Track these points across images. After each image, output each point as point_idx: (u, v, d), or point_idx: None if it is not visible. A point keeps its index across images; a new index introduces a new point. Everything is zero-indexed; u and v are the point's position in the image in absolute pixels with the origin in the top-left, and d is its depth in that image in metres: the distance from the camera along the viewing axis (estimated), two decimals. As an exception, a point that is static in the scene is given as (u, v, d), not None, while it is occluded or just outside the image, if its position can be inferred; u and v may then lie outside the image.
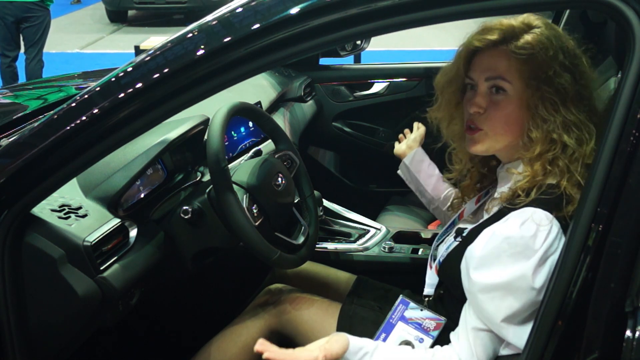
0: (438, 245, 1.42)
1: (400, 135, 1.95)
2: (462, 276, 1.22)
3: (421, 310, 1.40)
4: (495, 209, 1.23)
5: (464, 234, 1.29)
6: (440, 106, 1.37)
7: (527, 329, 1.11)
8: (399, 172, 1.88)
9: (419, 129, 1.91)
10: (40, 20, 5.47)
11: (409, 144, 1.88)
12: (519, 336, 1.13)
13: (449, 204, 1.64)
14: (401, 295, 1.44)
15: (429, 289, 1.41)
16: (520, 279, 1.11)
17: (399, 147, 1.90)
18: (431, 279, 1.41)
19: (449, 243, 1.34)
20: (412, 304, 1.42)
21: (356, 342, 1.23)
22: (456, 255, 1.26)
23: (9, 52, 5.52)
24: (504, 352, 1.18)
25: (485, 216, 1.26)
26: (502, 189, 1.26)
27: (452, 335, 1.25)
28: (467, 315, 1.21)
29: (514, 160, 1.27)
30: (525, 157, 1.22)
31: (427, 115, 1.42)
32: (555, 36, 1.20)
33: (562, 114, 1.17)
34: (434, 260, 1.40)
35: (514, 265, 1.12)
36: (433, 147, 1.43)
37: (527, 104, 1.19)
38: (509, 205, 1.18)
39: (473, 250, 1.19)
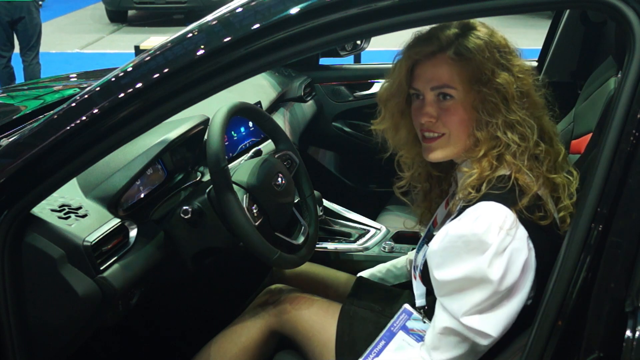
0: (417, 255, 1.43)
1: None
2: (430, 276, 1.24)
3: (424, 322, 1.40)
4: (457, 209, 1.24)
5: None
6: (384, 118, 1.38)
7: (496, 315, 1.15)
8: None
9: None
10: (36, 21, 5.49)
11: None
12: (487, 323, 1.15)
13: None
14: (405, 305, 1.44)
15: (420, 300, 1.41)
16: (476, 272, 1.13)
17: None
18: (418, 289, 1.41)
19: (424, 250, 1.34)
20: (415, 315, 1.42)
21: None
22: None
23: (5, 52, 5.52)
24: (484, 342, 1.18)
25: (450, 217, 1.27)
26: (460, 188, 1.27)
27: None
28: (437, 317, 1.22)
29: (466, 159, 1.28)
30: (472, 156, 1.24)
31: (372, 128, 1.42)
32: (489, 34, 1.22)
33: (503, 114, 1.19)
34: (416, 269, 1.41)
35: (469, 261, 1.14)
36: (381, 157, 1.44)
37: (472, 106, 1.21)
38: (465, 204, 1.19)
39: (431, 250, 1.21)
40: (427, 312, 1.41)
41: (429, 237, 1.34)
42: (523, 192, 1.15)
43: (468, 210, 1.17)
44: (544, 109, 1.26)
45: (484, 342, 1.17)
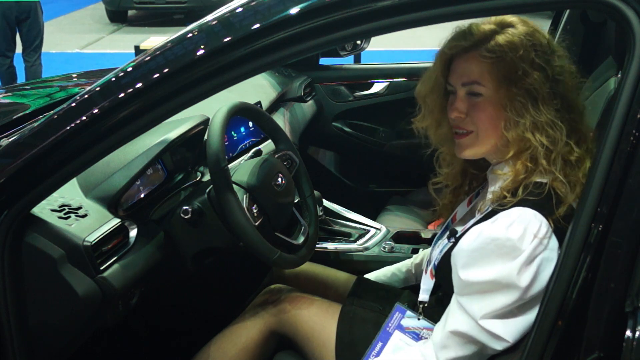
0: (433, 250, 1.42)
1: None
2: (452, 274, 1.23)
3: (419, 319, 1.40)
4: (486, 210, 1.24)
5: (457, 235, 1.29)
6: (424, 115, 1.37)
7: (515, 322, 1.14)
8: None
9: None
10: (40, 22, 5.51)
11: None
12: (505, 328, 1.14)
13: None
14: (397, 303, 1.44)
15: (424, 295, 1.41)
16: (505, 277, 1.12)
17: None
18: (426, 284, 1.41)
19: (443, 245, 1.34)
20: (408, 312, 1.42)
21: None
22: (450, 256, 1.26)
23: (9, 52, 5.54)
24: (498, 347, 1.17)
25: (477, 217, 1.27)
26: (492, 189, 1.26)
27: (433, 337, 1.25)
28: (453, 317, 1.21)
29: (501, 161, 1.27)
30: (504, 157, 1.24)
31: (413, 126, 1.41)
32: (528, 33, 1.20)
33: (531, 114, 1.17)
34: (429, 264, 1.40)
35: (499, 265, 1.12)
36: (423, 152, 1.44)
37: (500, 104, 1.20)
38: (499, 207, 1.18)
39: (460, 249, 1.20)
40: (426, 308, 1.41)
41: (451, 233, 1.33)
42: (560, 201, 1.14)
43: (502, 213, 1.15)
44: (582, 113, 1.23)
45: (498, 346, 1.16)
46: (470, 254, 1.17)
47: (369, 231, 2.06)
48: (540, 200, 1.14)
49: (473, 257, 1.16)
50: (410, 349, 1.34)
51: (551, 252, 1.12)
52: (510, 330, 1.14)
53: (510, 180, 1.19)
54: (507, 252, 1.12)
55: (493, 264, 1.13)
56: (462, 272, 1.18)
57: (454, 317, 1.20)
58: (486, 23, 1.22)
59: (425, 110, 1.36)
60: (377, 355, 1.38)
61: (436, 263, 1.34)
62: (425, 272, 1.42)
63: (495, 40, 1.19)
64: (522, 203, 1.15)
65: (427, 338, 1.37)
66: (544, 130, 1.17)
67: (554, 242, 1.13)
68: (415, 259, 1.71)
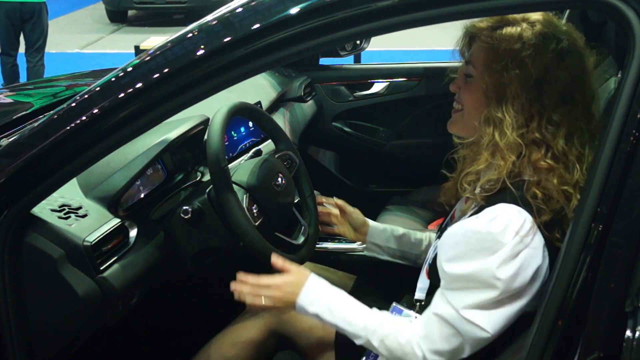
0: (429, 250, 1.43)
1: (325, 212, 1.77)
2: (437, 265, 1.24)
3: (415, 317, 1.40)
4: (474, 207, 1.24)
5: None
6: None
7: (497, 314, 1.15)
8: (367, 253, 1.76)
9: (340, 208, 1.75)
10: (44, 22, 5.53)
11: (351, 228, 1.73)
12: (486, 319, 1.15)
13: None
14: (394, 303, 1.44)
15: (419, 294, 1.42)
16: (484, 271, 1.13)
17: (349, 234, 1.76)
18: (422, 282, 1.41)
19: (436, 244, 1.34)
20: (405, 312, 1.42)
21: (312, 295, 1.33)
22: None
23: (12, 51, 5.56)
24: (479, 335, 1.17)
25: (467, 214, 1.27)
26: (480, 185, 1.27)
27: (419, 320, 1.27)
28: (436, 305, 1.22)
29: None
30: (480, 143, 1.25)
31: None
32: (540, 33, 1.19)
33: (490, 108, 1.20)
34: (425, 263, 1.41)
35: (480, 259, 1.14)
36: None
37: (483, 90, 1.22)
38: (485, 203, 1.19)
39: (443, 241, 1.22)
40: (422, 307, 1.42)
41: (443, 231, 1.34)
42: (547, 201, 1.14)
43: (487, 209, 1.17)
44: (603, 119, 1.21)
45: (479, 334, 1.17)
46: (453, 246, 1.19)
47: (369, 231, 2.06)
48: (525, 198, 1.15)
49: (455, 249, 1.18)
50: (402, 331, 1.30)
51: (535, 250, 1.13)
52: (491, 321, 1.16)
53: (486, 178, 1.20)
54: (488, 246, 1.13)
55: (474, 258, 1.14)
56: (445, 265, 1.20)
57: (437, 306, 1.22)
58: (511, 15, 1.23)
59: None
60: (376, 357, 1.38)
61: (430, 262, 1.35)
62: (422, 271, 1.42)
63: (502, 30, 1.20)
64: (507, 200, 1.16)
65: None
66: (495, 125, 1.19)
67: (538, 240, 1.13)
68: (432, 236, 1.68)
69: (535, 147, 1.18)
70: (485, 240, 1.13)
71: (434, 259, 1.32)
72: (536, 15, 1.22)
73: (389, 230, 1.71)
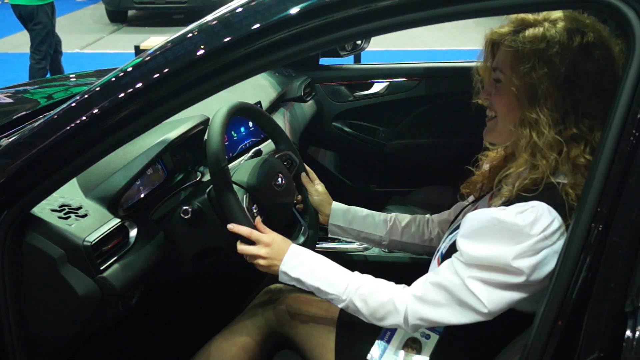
0: (443, 241, 1.42)
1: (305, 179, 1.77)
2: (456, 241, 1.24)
3: None
4: (501, 201, 1.25)
5: None
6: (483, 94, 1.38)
7: (501, 295, 1.16)
8: (330, 235, 1.76)
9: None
10: (39, 24, 5.60)
11: (319, 201, 1.74)
12: (488, 295, 1.16)
13: (403, 226, 1.69)
14: None
15: None
16: (499, 258, 1.14)
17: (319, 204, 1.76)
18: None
19: (454, 234, 1.34)
20: None
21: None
22: (456, 245, 1.27)
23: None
24: (478, 308, 1.19)
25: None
26: (508, 186, 1.27)
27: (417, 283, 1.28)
28: (440, 269, 1.24)
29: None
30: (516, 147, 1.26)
31: (479, 102, 1.41)
32: (565, 30, 1.18)
33: (523, 110, 1.20)
34: (437, 252, 1.41)
35: (497, 246, 1.14)
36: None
37: (514, 94, 1.22)
38: (516, 200, 1.19)
39: (465, 221, 1.22)
40: None
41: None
42: (574, 203, 1.14)
43: (518, 203, 1.17)
44: (594, 119, 1.19)
45: (475, 307, 1.18)
46: (475, 227, 1.19)
47: (369, 231, 2.06)
48: (557, 199, 1.15)
49: (475, 231, 1.19)
50: (384, 289, 1.32)
51: (556, 252, 1.12)
52: (492, 299, 1.16)
53: (529, 177, 1.20)
54: (510, 236, 1.13)
55: (492, 243, 1.15)
56: (461, 240, 1.20)
57: (441, 273, 1.23)
58: (532, 15, 1.23)
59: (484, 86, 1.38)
60: (388, 342, 1.40)
61: (443, 251, 1.35)
62: (433, 260, 1.42)
63: (524, 32, 1.21)
64: (539, 198, 1.16)
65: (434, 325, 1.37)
66: (532, 126, 1.19)
67: (561, 244, 1.13)
68: (399, 215, 1.71)
69: (574, 143, 1.18)
70: (509, 230, 1.13)
71: (449, 249, 1.32)
72: (557, 13, 1.22)
73: (352, 211, 1.71)
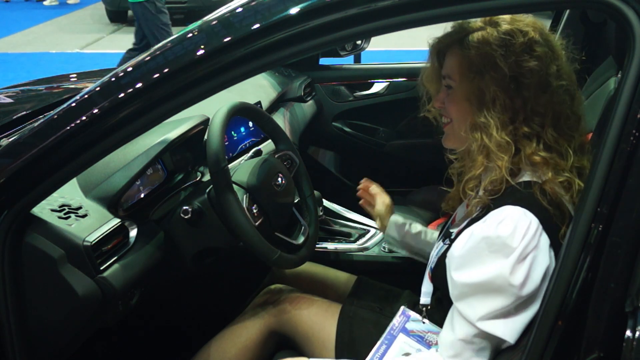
0: (432, 253, 1.42)
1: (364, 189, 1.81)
2: (447, 278, 1.23)
3: (423, 322, 1.40)
4: (477, 210, 1.24)
5: (452, 237, 1.29)
6: (431, 105, 1.39)
7: (514, 321, 1.14)
8: (386, 245, 1.77)
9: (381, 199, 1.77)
10: (143, 18, 5.54)
11: (383, 213, 1.74)
12: (502, 328, 1.15)
13: None
14: (402, 307, 1.44)
15: (425, 298, 1.41)
16: (498, 277, 1.12)
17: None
18: (426, 287, 1.41)
19: (439, 248, 1.34)
20: (413, 316, 1.42)
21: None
22: (445, 259, 1.26)
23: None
24: (502, 346, 1.18)
25: (470, 217, 1.27)
26: (482, 188, 1.27)
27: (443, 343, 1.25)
28: (455, 324, 1.21)
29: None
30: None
31: (428, 114, 1.42)
32: (507, 32, 1.19)
33: (473, 115, 1.21)
34: (428, 267, 1.40)
35: (491, 264, 1.13)
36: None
37: (466, 98, 1.23)
38: (490, 203, 1.19)
39: (453, 251, 1.21)
40: (429, 311, 1.41)
41: (446, 235, 1.34)
42: (550, 200, 1.15)
43: (493, 212, 1.16)
44: (561, 118, 1.21)
45: (502, 344, 1.17)
46: (463, 255, 1.17)
47: (369, 231, 2.06)
48: (529, 199, 1.15)
49: (465, 258, 1.17)
50: (423, 354, 1.33)
51: (542, 251, 1.13)
52: (509, 329, 1.14)
53: (488, 180, 1.20)
54: (498, 249, 1.12)
55: (484, 263, 1.14)
56: (455, 274, 1.18)
57: (458, 325, 1.20)
58: (474, 21, 1.24)
59: (431, 99, 1.38)
60: (381, 358, 1.38)
61: (432, 266, 1.35)
62: (425, 275, 1.42)
63: (471, 37, 1.21)
64: (511, 202, 1.16)
65: (431, 341, 1.37)
66: (482, 130, 1.19)
67: (544, 240, 1.13)
68: (435, 235, 1.69)
69: (527, 141, 1.19)
70: (495, 243, 1.12)
71: (437, 262, 1.31)
72: (499, 17, 1.23)
73: (406, 226, 1.70)
